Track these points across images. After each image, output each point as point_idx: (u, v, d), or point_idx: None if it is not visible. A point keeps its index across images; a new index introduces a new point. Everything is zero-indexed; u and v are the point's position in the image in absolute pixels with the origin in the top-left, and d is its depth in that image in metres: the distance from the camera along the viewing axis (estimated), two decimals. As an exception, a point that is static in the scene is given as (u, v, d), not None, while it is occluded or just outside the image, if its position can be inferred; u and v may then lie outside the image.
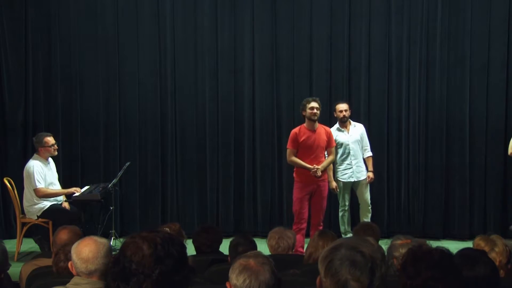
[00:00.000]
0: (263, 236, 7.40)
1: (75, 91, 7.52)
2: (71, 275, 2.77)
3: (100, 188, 6.56)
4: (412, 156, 7.42)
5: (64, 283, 2.71)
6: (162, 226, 4.49)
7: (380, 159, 7.42)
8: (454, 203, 7.41)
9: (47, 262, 3.63)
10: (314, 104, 6.23)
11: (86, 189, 6.75)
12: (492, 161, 7.36)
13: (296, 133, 6.30)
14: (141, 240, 1.91)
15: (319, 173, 6.19)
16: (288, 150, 6.35)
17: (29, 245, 6.71)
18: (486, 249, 3.26)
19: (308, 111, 6.23)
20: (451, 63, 7.35)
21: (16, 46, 7.45)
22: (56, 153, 6.48)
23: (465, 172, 7.35)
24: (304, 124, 6.32)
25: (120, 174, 6.76)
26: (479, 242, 3.46)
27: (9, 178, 6.55)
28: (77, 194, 6.55)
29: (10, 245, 6.46)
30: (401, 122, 7.42)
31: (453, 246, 6.66)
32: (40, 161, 6.31)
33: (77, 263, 2.69)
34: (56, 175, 6.57)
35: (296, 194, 6.33)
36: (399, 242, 3.30)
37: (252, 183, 7.58)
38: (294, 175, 6.40)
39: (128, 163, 6.92)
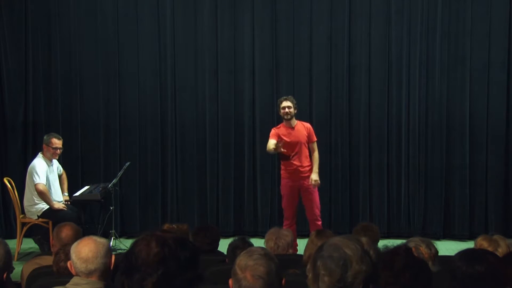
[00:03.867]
0: (263, 236, 7.39)
1: (75, 91, 7.52)
2: (71, 275, 2.76)
3: (100, 188, 6.56)
4: (412, 156, 7.42)
5: (64, 283, 2.70)
6: (169, 225, 4.51)
7: (380, 159, 7.43)
8: (454, 203, 7.40)
9: (49, 260, 3.63)
10: (286, 103, 6.29)
11: (86, 189, 6.75)
12: (492, 161, 7.36)
13: (276, 129, 6.40)
14: (152, 238, 1.91)
15: (279, 149, 6.14)
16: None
17: (29, 245, 6.71)
18: (489, 249, 3.26)
19: (281, 110, 6.32)
20: (451, 63, 7.35)
21: (16, 46, 7.45)
22: (56, 157, 6.50)
23: (465, 172, 7.35)
24: (283, 123, 6.40)
25: (120, 174, 6.76)
26: (482, 242, 3.46)
27: (9, 178, 6.56)
28: (77, 194, 6.57)
29: (10, 245, 6.42)
30: (401, 122, 7.42)
31: (453, 247, 6.71)
32: (44, 160, 6.33)
33: (76, 262, 2.68)
34: (57, 177, 6.58)
35: (283, 190, 6.43)
36: (419, 238, 3.34)
37: (252, 183, 7.58)
38: (281, 172, 6.46)
39: (128, 163, 6.92)
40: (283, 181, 6.42)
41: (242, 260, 2.19)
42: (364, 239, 1.88)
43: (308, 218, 6.43)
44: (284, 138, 6.26)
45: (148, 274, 1.85)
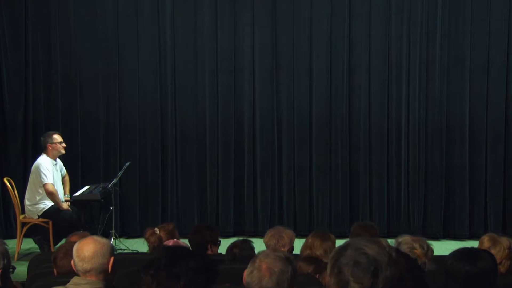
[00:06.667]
0: (263, 236, 7.40)
1: (75, 91, 7.52)
2: (71, 275, 2.77)
3: (100, 188, 6.56)
4: (412, 156, 7.42)
5: (64, 283, 2.72)
6: (151, 230, 4.49)
7: (380, 159, 7.43)
8: (454, 203, 7.41)
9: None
10: None
11: (86, 189, 6.76)
12: (492, 161, 7.37)
13: None
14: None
15: None
16: None
17: (29, 245, 6.71)
18: (485, 246, 3.28)
19: None
20: (451, 63, 7.36)
21: (16, 46, 7.45)
22: (64, 151, 6.49)
23: (465, 172, 7.35)
24: None
25: (120, 174, 6.76)
26: (483, 240, 3.50)
27: (9, 178, 6.56)
28: (77, 194, 6.57)
29: (10, 245, 6.43)
30: (401, 122, 7.42)
31: (453, 246, 6.69)
32: (48, 159, 6.34)
33: (75, 261, 2.71)
34: (60, 177, 6.58)
35: None
36: (409, 238, 3.31)
37: (252, 183, 7.58)
38: None
39: (128, 163, 6.92)
40: None
41: (265, 252, 2.30)
42: (383, 241, 1.86)
43: None
44: None
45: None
